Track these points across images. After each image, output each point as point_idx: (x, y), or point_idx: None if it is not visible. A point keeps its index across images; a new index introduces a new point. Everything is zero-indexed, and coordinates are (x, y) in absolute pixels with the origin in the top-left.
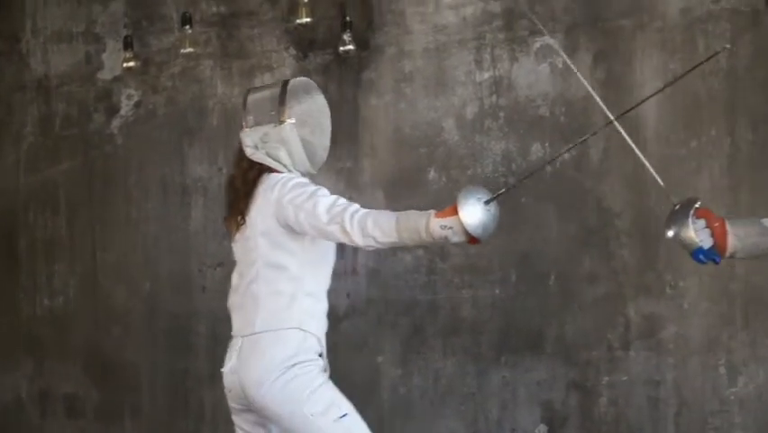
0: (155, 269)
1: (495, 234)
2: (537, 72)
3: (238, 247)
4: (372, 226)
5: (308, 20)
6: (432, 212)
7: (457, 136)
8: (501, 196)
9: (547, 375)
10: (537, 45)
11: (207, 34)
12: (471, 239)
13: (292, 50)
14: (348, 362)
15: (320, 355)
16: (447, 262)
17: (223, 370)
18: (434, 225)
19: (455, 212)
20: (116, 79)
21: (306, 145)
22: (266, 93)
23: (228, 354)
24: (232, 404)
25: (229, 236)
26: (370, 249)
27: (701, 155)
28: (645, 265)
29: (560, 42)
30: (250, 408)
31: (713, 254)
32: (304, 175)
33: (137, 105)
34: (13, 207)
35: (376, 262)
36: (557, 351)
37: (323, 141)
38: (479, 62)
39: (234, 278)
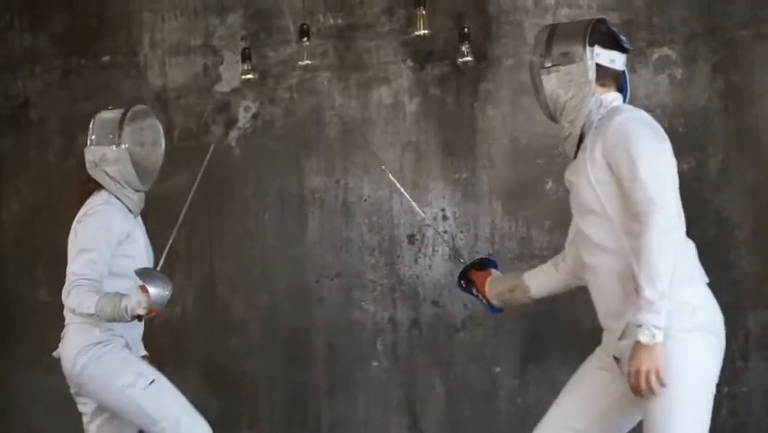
0: (272, 280)
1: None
2: (656, 83)
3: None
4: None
5: (426, 32)
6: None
7: None
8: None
9: None
10: (656, 56)
11: (324, 46)
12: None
13: (409, 62)
14: (465, 372)
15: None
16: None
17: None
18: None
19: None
20: (234, 91)
21: (137, 166)
22: (109, 115)
23: None
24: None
25: None
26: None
27: None
28: (765, 276)
29: (678, 53)
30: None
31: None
32: (137, 191)
33: (254, 117)
34: None
35: None
36: None
37: (153, 163)
38: None
39: None
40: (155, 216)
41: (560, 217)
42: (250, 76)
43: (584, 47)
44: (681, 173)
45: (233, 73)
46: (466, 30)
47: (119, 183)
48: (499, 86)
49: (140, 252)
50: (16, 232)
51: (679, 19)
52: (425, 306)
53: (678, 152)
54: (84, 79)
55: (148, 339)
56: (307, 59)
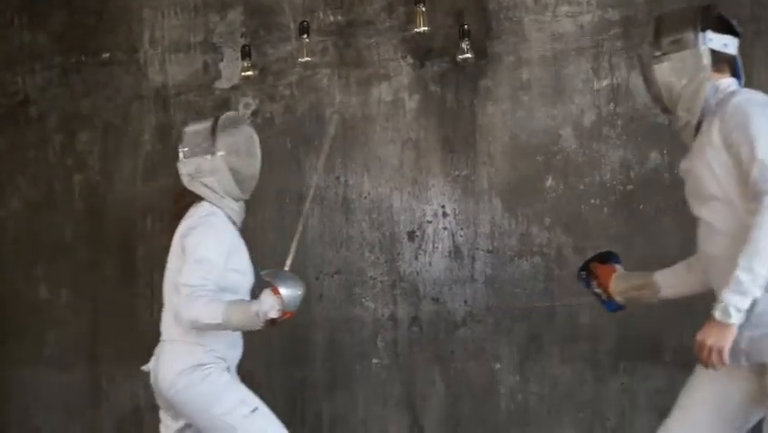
0: None
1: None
2: None
3: (169, 257)
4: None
5: (426, 29)
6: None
7: (575, 144)
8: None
9: (666, 382)
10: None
11: (325, 43)
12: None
13: (409, 59)
14: (465, 369)
15: (223, 360)
16: (565, 270)
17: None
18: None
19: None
20: (234, 88)
21: (235, 174)
22: (199, 126)
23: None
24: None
25: None
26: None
27: None
28: None
29: None
30: (170, 409)
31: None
32: (237, 200)
33: (254, 113)
34: (131, 216)
35: (493, 270)
36: (676, 358)
37: (251, 169)
38: (596, 70)
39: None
40: (154, 214)
41: (559, 214)
42: (250, 73)
43: (696, 33)
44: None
45: (232, 70)
46: (466, 27)
47: (218, 194)
48: (499, 83)
49: (246, 265)
50: (16, 230)
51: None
52: (426, 302)
53: (677, 149)
54: (83, 76)
55: (146, 336)
56: (307, 55)
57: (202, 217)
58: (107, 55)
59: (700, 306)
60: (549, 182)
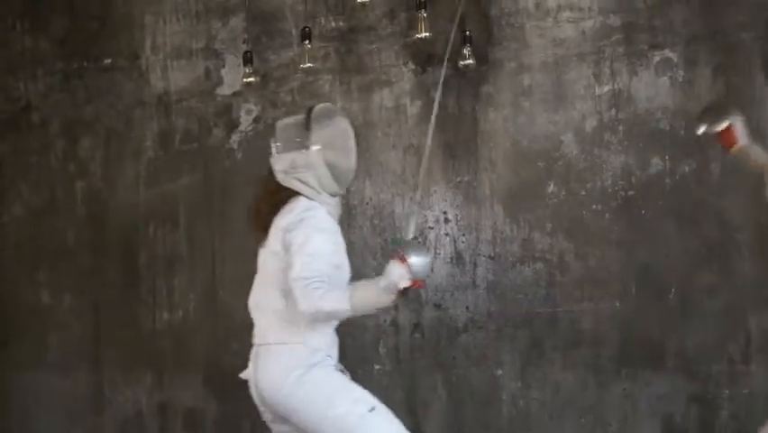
0: None
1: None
2: (657, 85)
3: (259, 259)
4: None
5: (427, 34)
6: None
7: (576, 150)
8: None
9: (667, 388)
10: (657, 59)
11: (326, 49)
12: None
13: (411, 65)
14: (467, 375)
15: (331, 358)
16: (567, 276)
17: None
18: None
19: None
20: (236, 95)
21: (332, 168)
22: (292, 121)
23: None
24: (264, 415)
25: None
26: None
27: None
28: (766, 278)
29: (679, 55)
30: (277, 415)
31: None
32: (333, 195)
33: (256, 120)
34: (134, 222)
35: (495, 276)
36: (677, 364)
37: (348, 163)
38: (598, 76)
39: (255, 283)
40: (156, 219)
41: (561, 220)
42: (251, 79)
43: None
44: (682, 176)
45: (234, 76)
46: (468, 33)
47: (314, 189)
48: (501, 89)
49: (345, 260)
50: (18, 235)
51: (680, 21)
52: (427, 309)
53: (679, 155)
54: (85, 82)
55: (148, 342)
56: (309, 62)
57: (305, 212)
58: (109, 61)
59: (701, 314)
60: (551, 188)
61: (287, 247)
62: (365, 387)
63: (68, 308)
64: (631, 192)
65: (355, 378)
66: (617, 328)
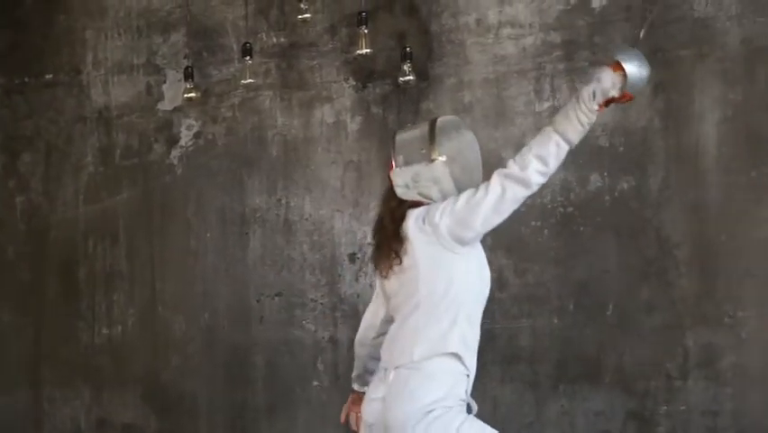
0: (213, 299)
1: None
2: None
3: (392, 282)
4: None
5: (368, 50)
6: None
7: None
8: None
9: (605, 405)
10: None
11: (267, 65)
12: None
13: (351, 81)
14: None
15: (465, 393)
16: (505, 292)
17: (369, 396)
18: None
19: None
20: (176, 110)
21: (458, 183)
22: (415, 132)
23: (374, 385)
24: None
25: (378, 274)
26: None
27: (761, 185)
28: (704, 295)
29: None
30: None
31: None
32: None
33: (197, 135)
34: (73, 237)
35: None
36: (615, 380)
37: (473, 176)
38: (538, 92)
39: (380, 313)
40: (95, 235)
41: (500, 236)
42: (192, 94)
43: None
44: (620, 192)
45: (175, 92)
46: (408, 49)
47: (437, 203)
48: (441, 105)
49: (487, 273)
50: None
51: (620, 39)
52: None
53: (618, 172)
54: (26, 97)
55: (87, 357)
56: (250, 77)
57: (436, 201)
58: (50, 76)
59: (639, 330)
60: None
61: (438, 220)
62: (304, 403)
63: (8, 324)
64: (570, 209)
65: (294, 394)
66: (555, 345)
